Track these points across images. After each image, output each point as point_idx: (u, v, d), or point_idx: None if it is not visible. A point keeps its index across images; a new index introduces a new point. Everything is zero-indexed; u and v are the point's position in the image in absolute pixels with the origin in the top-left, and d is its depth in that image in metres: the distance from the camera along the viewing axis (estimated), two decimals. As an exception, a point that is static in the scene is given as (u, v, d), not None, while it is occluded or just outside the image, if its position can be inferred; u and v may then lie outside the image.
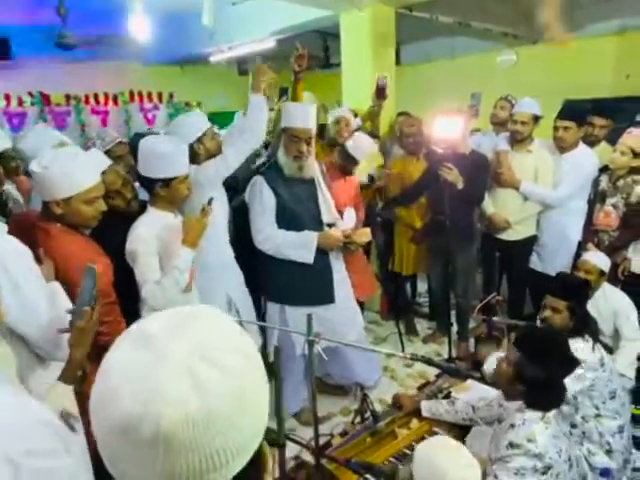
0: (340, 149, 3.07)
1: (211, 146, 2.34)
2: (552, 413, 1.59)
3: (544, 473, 1.48)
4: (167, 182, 1.94)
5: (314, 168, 2.55)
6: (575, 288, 2.15)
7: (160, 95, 6.63)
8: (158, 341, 0.49)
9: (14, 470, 0.73)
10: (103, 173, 1.99)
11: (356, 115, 3.62)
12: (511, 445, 1.53)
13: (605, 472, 1.89)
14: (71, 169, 1.58)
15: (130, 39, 4.11)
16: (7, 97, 5.48)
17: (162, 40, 4.88)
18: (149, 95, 6.55)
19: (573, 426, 1.98)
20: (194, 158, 2.20)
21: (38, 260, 1.46)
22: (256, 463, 0.53)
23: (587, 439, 1.98)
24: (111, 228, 1.82)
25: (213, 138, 2.38)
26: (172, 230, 1.98)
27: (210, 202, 2.03)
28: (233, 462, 0.49)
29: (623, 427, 2.02)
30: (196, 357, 0.48)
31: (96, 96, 6.16)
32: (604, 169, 3.11)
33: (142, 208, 2.08)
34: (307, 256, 2.42)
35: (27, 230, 1.59)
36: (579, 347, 1.95)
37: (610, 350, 2.10)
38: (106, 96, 6.25)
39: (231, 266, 2.45)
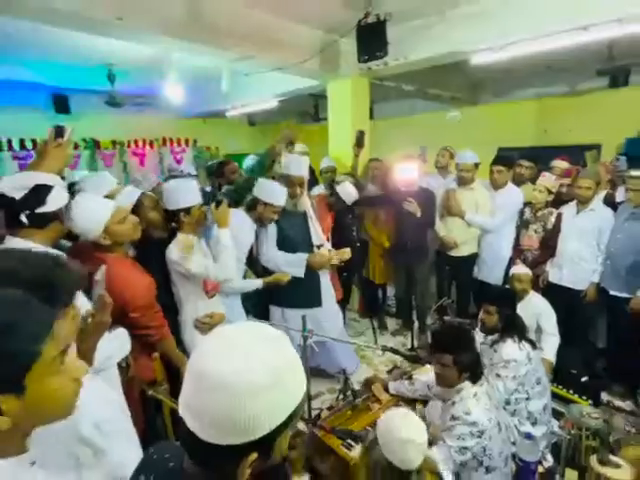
0: (332, 193, 3.14)
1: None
2: (482, 389, 1.67)
3: (479, 436, 1.56)
4: (187, 210, 1.98)
5: (306, 203, 2.64)
6: (503, 297, 2.22)
7: (187, 141, 6.71)
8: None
9: (98, 431, 0.81)
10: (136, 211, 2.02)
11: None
12: (453, 417, 1.62)
13: (528, 436, 1.97)
14: (92, 206, 1.59)
15: (165, 98, 4.21)
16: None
17: (190, 99, 4.98)
18: (178, 140, 6.61)
19: (508, 403, 2.04)
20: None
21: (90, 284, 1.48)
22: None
23: (518, 414, 2.04)
24: (149, 254, 1.87)
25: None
26: (198, 245, 2.04)
27: (219, 203, 2.06)
28: (253, 429, 0.54)
29: (547, 405, 2.10)
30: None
31: (136, 141, 6.21)
32: (528, 203, 3.26)
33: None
34: (299, 272, 2.51)
35: (85, 259, 1.59)
36: (510, 349, 2.02)
37: (534, 344, 2.17)
38: (144, 141, 6.29)
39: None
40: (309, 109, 6.46)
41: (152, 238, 2.02)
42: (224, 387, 0.52)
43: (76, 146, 5.52)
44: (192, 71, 4.30)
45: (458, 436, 1.57)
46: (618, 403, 2.51)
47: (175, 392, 1.87)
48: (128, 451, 1.06)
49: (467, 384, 1.68)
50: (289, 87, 4.37)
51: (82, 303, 1.28)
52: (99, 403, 1.09)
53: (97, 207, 1.61)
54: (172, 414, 1.73)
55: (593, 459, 1.78)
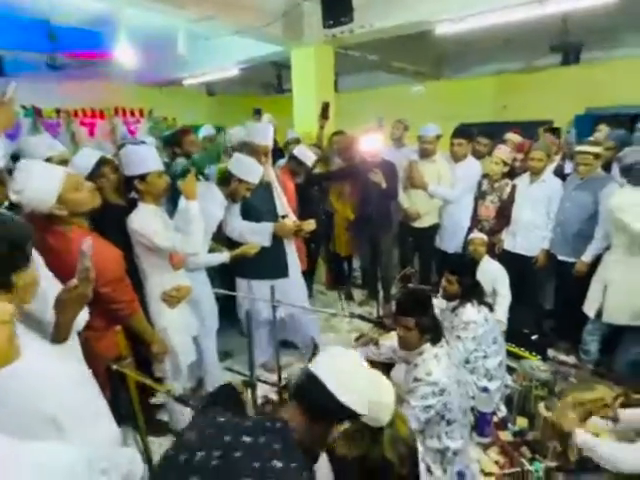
0: (290, 158, 3.08)
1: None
2: (443, 350, 1.75)
3: (441, 395, 1.65)
4: (143, 177, 1.83)
5: (270, 174, 2.57)
6: (462, 266, 2.31)
7: (141, 111, 6.30)
8: None
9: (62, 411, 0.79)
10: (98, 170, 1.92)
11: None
12: (415, 379, 1.70)
13: (485, 389, 2.12)
14: (43, 171, 1.42)
15: (116, 62, 3.89)
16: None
17: (145, 65, 4.63)
18: (132, 110, 6.18)
19: (467, 362, 2.16)
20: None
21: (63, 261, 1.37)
22: None
23: (476, 372, 2.18)
24: (108, 223, 1.73)
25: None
26: (156, 218, 1.90)
27: (186, 173, 1.94)
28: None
29: (502, 362, 2.25)
30: None
31: (84, 110, 5.74)
32: (485, 175, 3.38)
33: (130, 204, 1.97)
34: (265, 240, 2.45)
35: (44, 233, 1.48)
36: (469, 311, 2.14)
37: (490, 306, 2.29)
38: (93, 111, 5.83)
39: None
40: (272, 80, 6.23)
41: (111, 206, 1.90)
42: None
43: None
44: (146, 33, 3.99)
45: (421, 396, 1.66)
46: (563, 358, 2.75)
47: (139, 365, 1.82)
48: (96, 430, 1.02)
49: (428, 346, 1.75)
50: (251, 54, 4.20)
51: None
52: (63, 380, 1.04)
53: (46, 173, 1.42)
54: (137, 387, 1.69)
55: (541, 406, 1.95)
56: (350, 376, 1.04)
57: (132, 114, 6.21)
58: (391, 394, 1.31)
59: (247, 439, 0.92)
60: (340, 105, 4.19)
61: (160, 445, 2.12)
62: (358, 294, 4.08)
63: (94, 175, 1.91)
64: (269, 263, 2.53)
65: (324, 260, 4.11)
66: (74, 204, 1.49)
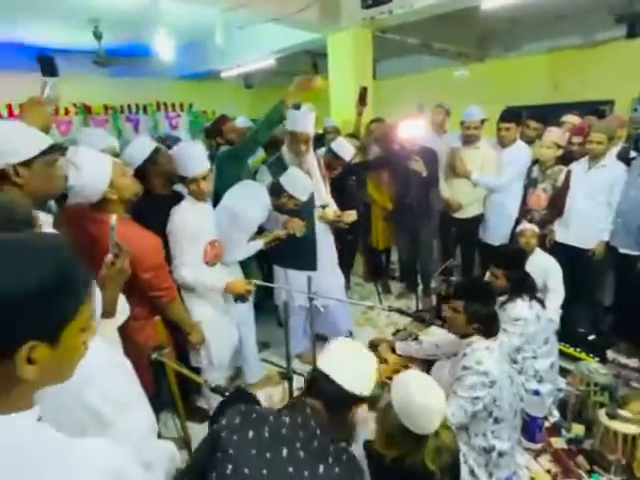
0: (328, 151, 2.95)
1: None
2: (495, 343, 1.63)
3: (491, 387, 1.54)
4: (192, 180, 1.87)
5: (311, 162, 2.49)
6: (510, 258, 2.14)
7: (182, 105, 6.44)
8: None
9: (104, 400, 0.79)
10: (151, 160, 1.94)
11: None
12: (464, 368, 1.60)
13: (536, 392, 1.96)
14: (99, 158, 1.49)
15: (156, 58, 3.97)
16: (55, 108, 5.28)
17: (183, 58, 4.72)
18: (172, 105, 6.34)
19: (514, 361, 2.01)
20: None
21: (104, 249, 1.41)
22: None
23: (524, 373, 2.02)
24: (152, 213, 1.74)
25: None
26: (198, 217, 1.92)
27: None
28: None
29: (554, 363, 2.08)
30: None
31: (129, 106, 5.95)
32: (536, 161, 3.13)
33: (176, 196, 2.01)
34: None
35: (79, 221, 1.52)
36: (519, 307, 1.98)
37: (542, 303, 2.11)
38: (137, 106, 6.04)
39: None
40: (307, 69, 6.14)
41: (155, 196, 1.93)
42: None
43: (67, 111, 5.30)
44: (184, 26, 4.04)
45: (470, 386, 1.55)
46: (624, 360, 2.50)
47: (178, 355, 1.84)
48: (137, 419, 1.02)
49: (477, 337, 1.64)
50: (287, 43, 4.14)
51: None
52: (107, 370, 1.04)
53: (98, 159, 1.50)
54: (177, 376, 1.70)
55: (602, 413, 1.77)
56: (350, 363, 1.11)
57: (173, 108, 6.36)
58: (441, 398, 1.22)
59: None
60: (378, 92, 4.03)
61: (198, 431, 2.15)
62: (396, 287, 3.96)
63: (148, 164, 1.93)
64: (301, 255, 2.48)
65: (361, 252, 4.01)
66: (122, 188, 1.55)
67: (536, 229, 2.63)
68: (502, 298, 2.08)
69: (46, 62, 5.40)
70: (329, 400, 1.04)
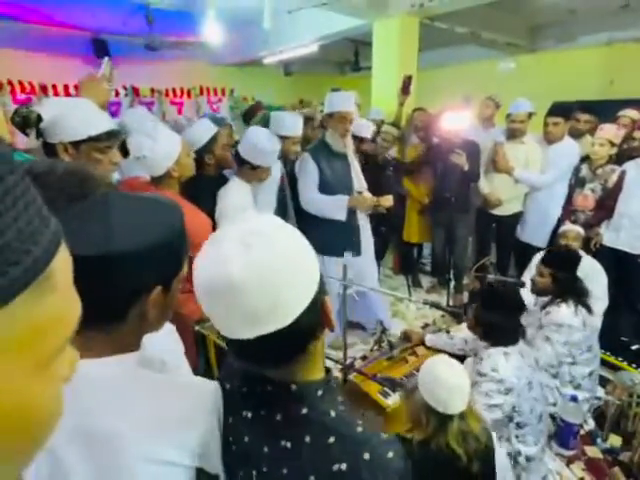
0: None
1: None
2: (515, 348, 1.57)
3: (507, 394, 1.50)
4: (254, 167, 1.95)
5: (349, 145, 2.47)
6: (561, 258, 2.02)
7: (223, 90, 6.51)
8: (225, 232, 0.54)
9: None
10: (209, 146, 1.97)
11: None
12: (479, 374, 1.55)
13: (573, 398, 1.87)
14: (167, 137, 1.55)
15: (202, 43, 4.01)
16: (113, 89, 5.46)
17: (227, 45, 4.71)
18: (214, 90, 6.42)
19: (551, 365, 1.92)
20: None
21: None
22: (316, 309, 0.54)
23: (559, 377, 1.93)
24: (201, 191, 1.78)
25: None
26: (247, 197, 1.97)
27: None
28: (293, 304, 0.51)
29: (593, 372, 1.97)
30: (248, 233, 0.51)
31: (174, 90, 6.08)
32: (585, 159, 2.94)
33: (221, 177, 2.05)
34: (341, 214, 2.39)
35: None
36: (564, 312, 1.88)
37: (589, 309, 1.97)
38: (181, 90, 6.16)
39: None
40: (349, 57, 6.03)
41: (207, 177, 1.96)
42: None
43: (117, 93, 5.48)
44: (232, 12, 4.04)
45: (485, 393, 1.51)
46: (668, 373, 2.34)
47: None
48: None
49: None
50: (331, 29, 4.05)
51: None
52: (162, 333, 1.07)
53: (171, 136, 1.58)
54: (216, 348, 1.75)
55: (644, 426, 1.67)
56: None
57: (215, 93, 6.44)
58: (467, 379, 1.19)
59: None
60: (420, 83, 3.89)
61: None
62: (426, 281, 3.88)
63: (206, 149, 1.96)
64: (342, 239, 2.46)
65: (393, 244, 3.95)
66: (184, 167, 1.60)
67: (581, 231, 2.48)
68: (545, 299, 1.99)
69: (99, 45, 5.61)
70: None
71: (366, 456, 0.51)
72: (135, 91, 5.71)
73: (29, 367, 0.22)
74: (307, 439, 0.54)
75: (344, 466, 0.51)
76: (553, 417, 1.87)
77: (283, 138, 2.18)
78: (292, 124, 2.24)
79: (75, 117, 1.20)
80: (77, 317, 0.25)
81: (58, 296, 0.23)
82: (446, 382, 1.15)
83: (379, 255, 3.67)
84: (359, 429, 0.54)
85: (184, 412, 0.57)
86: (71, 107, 1.22)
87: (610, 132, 2.75)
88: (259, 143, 1.91)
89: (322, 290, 0.56)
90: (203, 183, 1.71)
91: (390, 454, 0.53)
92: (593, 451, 1.83)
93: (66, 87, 5.18)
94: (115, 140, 1.28)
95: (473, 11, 3.48)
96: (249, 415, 0.59)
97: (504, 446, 1.57)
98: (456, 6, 3.20)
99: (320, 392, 0.56)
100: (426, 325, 3.04)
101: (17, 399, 0.22)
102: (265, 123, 2.42)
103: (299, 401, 0.55)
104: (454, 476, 1.14)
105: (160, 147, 1.50)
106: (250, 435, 0.58)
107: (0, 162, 0.20)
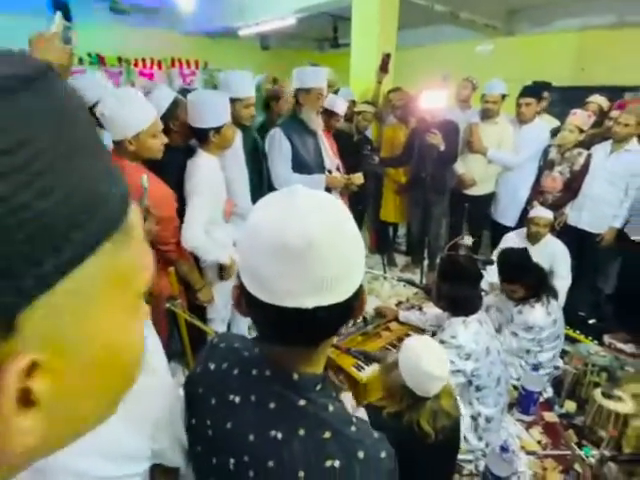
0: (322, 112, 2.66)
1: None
2: (474, 317, 1.63)
3: (467, 359, 1.57)
4: (218, 129, 1.76)
5: (319, 123, 2.39)
6: (517, 270, 1.99)
7: (197, 62, 6.21)
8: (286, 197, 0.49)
9: None
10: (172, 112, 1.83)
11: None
12: (441, 342, 1.60)
13: (534, 367, 1.97)
14: (136, 107, 1.44)
15: (173, 10, 3.78)
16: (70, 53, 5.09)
17: (200, 13, 4.48)
18: (187, 62, 6.12)
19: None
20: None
21: None
22: (361, 291, 0.53)
23: (524, 358, 2.03)
24: (166, 162, 1.63)
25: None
26: (218, 173, 1.86)
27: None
28: (352, 277, 0.49)
29: (555, 354, 2.07)
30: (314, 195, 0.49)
31: (144, 60, 5.75)
32: (555, 132, 3.01)
33: (188, 147, 1.91)
34: None
35: None
36: (537, 314, 1.94)
37: (555, 293, 2.06)
38: (152, 61, 5.83)
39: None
40: (328, 33, 5.87)
41: (172, 148, 1.84)
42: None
43: (81, 61, 5.12)
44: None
45: (448, 360, 1.57)
46: (620, 345, 2.51)
47: (189, 306, 1.85)
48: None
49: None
50: (309, 1, 3.91)
51: None
52: None
53: (143, 108, 1.46)
54: (188, 330, 1.72)
55: (597, 392, 1.79)
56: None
57: (188, 65, 6.14)
58: (445, 367, 1.22)
59: None
60: (399, 62, 3.84)
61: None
62: (400, 260, 3.95)
63: (168, 115, 1.83)
64: None
65: (370, 223, 3.98)
66: (144, 148, 1.49)
67: (551, 217, 2.55)
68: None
69: (60, 7, 5.18)
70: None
71: (360, 455, 0.50)
72: (101, 59, 5.36)
73: (128, 306, 0.25)
74: (301, 432, 0.51)
75: (337, 463, 0.49)
76: (516, 388, 1.98)
77: (233, 101, 1.95)
78: (242, 84, 2.01)
79: None
80: (152, 263, 0.28)
81: (137, 244, 0.26)
82: (430, 373, 1.16)
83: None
84: (353, 428, 0.53)
85: (137, 417, 0.54)
86: None
87: (580, 119, 2.83)
88: (207, 100, 1.76)
89: None
90: (169, 154, 1.61)
91: (383, 454, 0.52)
92: (550, 416, 1.95)
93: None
94: None
95: (453, -11, 3.44)
96: (237, 400, 0.55)
97: (466, 410, 1.65)
98: (436, -18, 3.15)
99: (319, 386, 0.55)
100: (400, 302, 3.11)
101: (123, 336, 0.25)
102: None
103: (298, 392, 0.53)
104: (422, 447, 1.17)
105: (122, 111, 1.40)
106: (234, 420, 0.55)
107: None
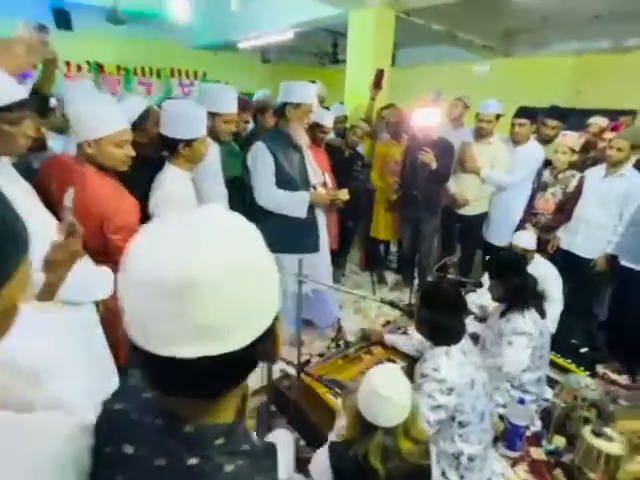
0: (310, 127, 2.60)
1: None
2: (457, 346, 1.52)
3: (449, 394, 1.46)
4: (189, 142, 1.68)
5: (305, 139, 2.31)
6: (505, 266, 1.95)
7: (196, 73, 6.23)
8: (171, 224, 0.41)
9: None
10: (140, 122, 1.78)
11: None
12: (422, 375, 1.51)
13: (521, 400, 1.86)
14: (103, 111, 1.38)
15: (173, 22, 3.77)
16: (68, 64, 5.09)
17: (200, 25, 4.49)
18: (187, 72, 6.13)
19: (499, 368, 1.89)
20: None
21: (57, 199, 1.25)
22: (271, 336, 0.45)
23: (510, 380, 1.92)
24: (135, 174, 1.56)
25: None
26: (188, 188, 1.76)
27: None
28: (249, 325, 0.41)
29: (541, 377, 1.97)
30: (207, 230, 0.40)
31: (143, 69, 5.76)
32: (548, 163, 2.97)
33: (160, 160, 1.82)
34: (301, 212, 2.26)
35: (61, 170, 1.41)
36: (522, 322, 1.85)
37: (543, 312, 1.95)
38: (151, 70, 5.84)
39: None
40: (328, 49, 5.90)
41: (142, 158, 1.77)
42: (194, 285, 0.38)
43: (79, 68, 5.12)
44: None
45: (428, 394, 1.47)
46: (614, 377, 2.40)
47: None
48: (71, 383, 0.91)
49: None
50: (306, 17, 3.92)
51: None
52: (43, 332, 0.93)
53: (109, 113, 1.40)
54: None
55: (587, 430, 1.68)
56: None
57: (187, 76, 6.15)
58: (403, 394, 1.12)
59: None
60: (396, 80, 3.83)
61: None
62: (391, 278, 3.85)
63: (138, 124, 1.78)
64: (301, 236, 2.35)
65: (360, 240, 3.89)
66: (103, 155, 1.41)
67: (523, 244, 2.44)
68: (502, 306, 1.97)
69: (61, 15, 5.22)
70: None
71: None
72: (100, 67, 5.36)
73: None
74: None
75: None
76: (502, 418, 1.86)
77: (213, 115, 1.91)
78: (225, 100, 1.97)
79: None
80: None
81: None
82: (380, 392, 1.08)
83: (345, 250, 3.61)
84: None
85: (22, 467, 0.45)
86: None
87: (571, 140, 2.79)
88: (182, 111, 1.69)
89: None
90: (137, 164, 1.53)
91: None
92: (537, 452, 1.83)
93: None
94: (27, 110, 1.12)
95: (450, 10, 3.43)
96: (129, 451, 0.46)
97: (447, 446, 1.53)
98: (431, 1, 3.14)
99: (220, 440, 0.45)
100: (387, 322, 3.00)
101: None
102: None
103: (189, 448, 0.44)
104: None
105: (84, 113, 1.34)
106: (124, 477, 0.46)
107: None
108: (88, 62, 5.26)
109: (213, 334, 0.38)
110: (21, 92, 1.10)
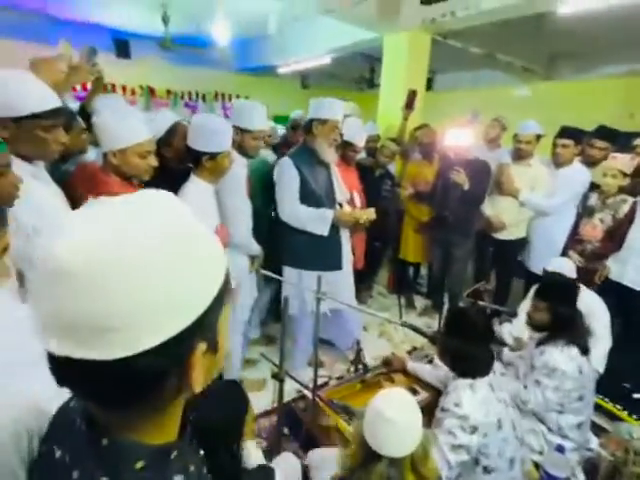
0: (341, 145, 2.61)
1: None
2: (484, 380, 1.37)
3: (473, 432, 1.30)
4: (213, 156, 1.71)
5: (333, 157, 2.30)
6: (558, 291, 1.77)
7: (238, 97, 6.54)
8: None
9: None
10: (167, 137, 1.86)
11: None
12: (442, 409, 1.37)
13: (559, 448, 1.64)
14: (127, 122, 1.43)
15: (218, 49, 4.00)
16: (124, 88, 5.52)
17: (242, 52, 4.72)
18: (229, 96, 6.46)
19: (524, 402, 1.70)
20: None
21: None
22: (190, 342, 0.37)
23: (545, 422, 1.71)
24: (160, 185, 1.64)
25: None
26: (210, 200, 1.80)
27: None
28: (132, 330, 0.33)
29: (583, 423, 1.72)
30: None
31: (189, 93, 6.14)
32: (595, 187, 2.74)
33: (186, 171, 1.87)
34: (323, 229, 2.21)
35: (88, 179, 1.47)
36: (558, 356, 1.66)
37: (587, 351, 1.75)
38: (197, 94, 6.22)
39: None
40: (365, 74, 6.01)
41: (168, 169, 1.82)
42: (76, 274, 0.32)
43: (133, 92, 5.54)
44: (244, 17, 4.03)
45: (448, 431, 1.32)
46: (674, 428, 2.07)
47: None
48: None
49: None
50: (342, 41, 3.99)
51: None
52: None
53: (134, 125, 1.45)
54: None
55: (639, 489, 1.44)
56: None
57: (230, 99, 6.47)
58: (410, 418, 1.00)
59: None
60: (432, 105, 3.78)
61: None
62: (420, 303, 3.67)
63: (165, 139, 1.86)
64: (323, 253, 2.29)
65: (388, 262, 3.77)
66: (127, 165, 1.47)
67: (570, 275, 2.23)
68: (540, 335, 1.78)
69: (121, 45, 5.68)
70: None
71: None
72: (151, 91, 5.77)
73: None
74: None
75: None
76: (537, 467, 1.65)
77: (242, 131, 1.94)
78: (255, 116, 1.98)
79: (16, 91, 1.10)
80: None
81: None
82: (384, 414, 0.97)
83: (372, 271, 3.50)
84: None
85: None
86: (11, 81, 1.11)
87: (621, 162, 2.56)
88: (208, 124, 1.71)
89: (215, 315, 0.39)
90: (163, 175, 1.57)
91: None
92: (580, 511, 1.59)
93: (83, 84, 5.25)
94: (61, 119, 1.19)
95: (489, 31, 3.36)
96: (57, 455, 0.41)
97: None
98: (469, 23, 3.09)
99: (142, 463, 0.38)
100: (414, 349, 2.84)
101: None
102: None
103: (104, 465, 0.37)
104: None
105: (111, 123, 1.40)
106: None
107: None
108: (141, 86, 5.67)
109: (83, 332, 0.32)
110: (56, 101, 1.17)
